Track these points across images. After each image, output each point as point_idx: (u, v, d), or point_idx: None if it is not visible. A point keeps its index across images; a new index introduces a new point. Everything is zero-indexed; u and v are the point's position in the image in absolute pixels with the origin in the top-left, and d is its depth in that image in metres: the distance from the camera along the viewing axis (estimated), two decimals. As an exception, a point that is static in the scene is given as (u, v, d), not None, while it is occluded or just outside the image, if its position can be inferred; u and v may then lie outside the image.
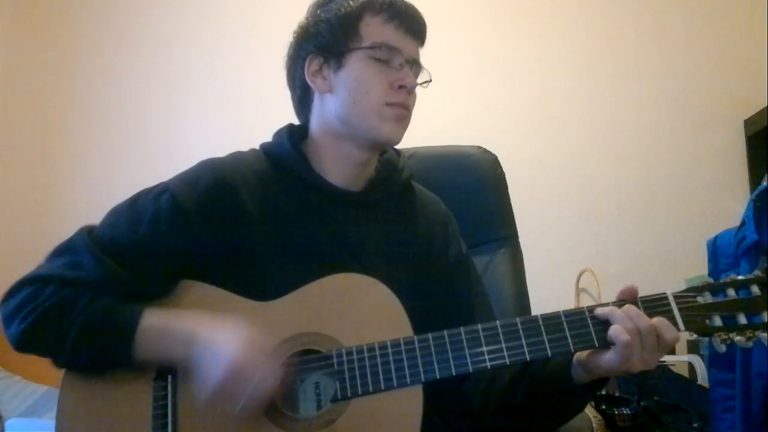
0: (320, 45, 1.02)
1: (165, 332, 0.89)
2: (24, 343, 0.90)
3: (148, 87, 2.68)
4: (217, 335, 0.86)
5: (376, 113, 0.99)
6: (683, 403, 1.71)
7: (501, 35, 2.47)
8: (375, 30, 1.00)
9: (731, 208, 2.03)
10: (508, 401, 0.99)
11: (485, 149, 1.46)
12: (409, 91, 1.01)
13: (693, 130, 2.28)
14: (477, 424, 1.05)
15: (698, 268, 1.75)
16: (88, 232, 0.96)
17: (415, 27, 1.03)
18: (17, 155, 2.70)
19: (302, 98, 1.07)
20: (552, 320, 0.89)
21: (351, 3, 1.01)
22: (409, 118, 1.03)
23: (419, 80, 1.04)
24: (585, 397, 0.99)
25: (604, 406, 1.71)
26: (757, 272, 0.88)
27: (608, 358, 0.86)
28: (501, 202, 1.42)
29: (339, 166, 1.04)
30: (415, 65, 1.03)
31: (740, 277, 0.88)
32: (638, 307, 0.87)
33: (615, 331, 0.84)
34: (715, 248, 1.54)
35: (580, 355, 0.91)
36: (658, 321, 0.85)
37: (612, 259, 2.23)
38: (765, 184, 1.51)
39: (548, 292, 2.09)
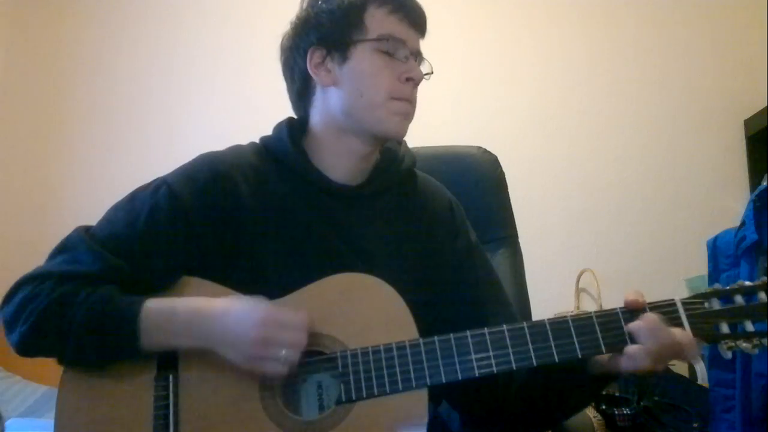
0: (323, 36, 1.00)
1: (171, 315, 0.88)
2: (28, 346, 0.90)
3: (148, 86, 2.68)
4: (231, 305, 0.88)
5: (384, 107, 0.98)
6: (683, 403, 1.71)
7: (501, 35, 2.47)
8: (380, 22, 0.99)
9: (731, 208, 2.03)
10: (528, 392, 0.99)
11: (485, 149, 1.46)
12: (416, 84, 1.00)
13: (693, 130, 2.28)
14: (498, 413, 1.04)
15: (698, 268, 1.75)
16: (85, 230, 0.96)
17: (417, 19, 1.02)
18: (17, 155, 2.70)
19: (302, 91, 1.05)
20: (559, 325, 0.88)
21: None
22: (414, 113, 1.02)
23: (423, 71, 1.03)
24: (598, 388, 0.98)
25: (604, 406, 1.71)
26: (765, 278, 0.87)
27: (618, 365, 0.86)
28: (501, 202, 1.42)
29: (341, 160, 1.03)
30: (418, 57, 1.03)
31: (747, 284, 0.88)
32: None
33: (633, 350, 0.84)
34: (715, 248, 1.54)
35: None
36: (684, 337, 0.84)
37: (612, 259, 2.23)
38: (765, 184, 1.51)
39: (548, 292, 2.10)
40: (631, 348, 0.84)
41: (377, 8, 0.99)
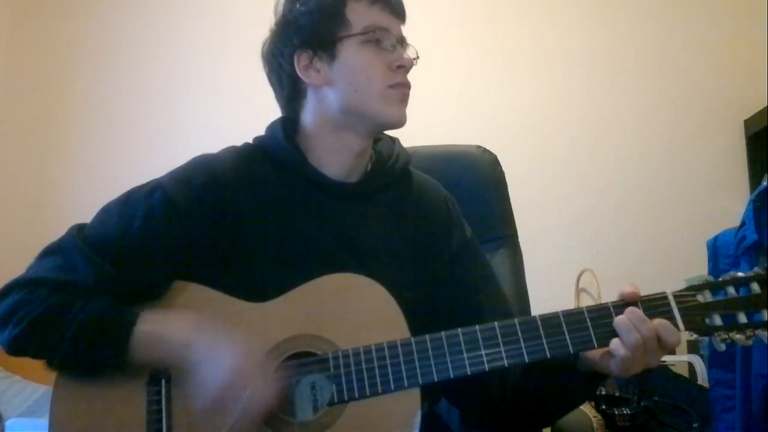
0: (306, 38, 1.00)
1: (160, 337, 0.87)
2: (17, 348, 0.89)
3: (148, 86, 2.68)
4: (214, 345, 0.86)
5: (381, 97, 0.98)
6: (683, 403, 1.71)
7: (501, 35, 2.46)
8: (362, 14, 0.99)
9: (731, 208, 2.03)
10: (524, 389, 0.99)
11: (485, 149, 1.46)
12: (407, 71, 1.01)
13: (693, 130, 2.28)
14: (495, 412, 1.04)
15: (698, 268, 1.74)
16: (78, 230, 0.95)
17: (396, 6, 1.03)
18: (17, 155, 2.69)
19: (292, 95, 1.04)
20: (550, 321, 0.88)
21: None
22: (409, 95, 1.03)
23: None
24: (592, 386, 0.98)
25: (604, 406, 1.71)
26: (757, 269, 0.86)
27: (609, 366, 0.86)
28: (500, 201, 1.42)
29: (336, 157, 1.02)
30: (403, 44, 1.03)
31: (740, 274, 0.87)
32: (638, 308, 0.86)
33: (614, 345, 0.84)
34: (715, 248, 1.53)
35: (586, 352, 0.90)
36: (660, 324, 0.84)
37: (612, 259, 2.23)
38: (765, 184, 1.51)
39: (548, 292, 2.08)
40: (612, 341, 0.84)
41: (357, 1, 0.99)
